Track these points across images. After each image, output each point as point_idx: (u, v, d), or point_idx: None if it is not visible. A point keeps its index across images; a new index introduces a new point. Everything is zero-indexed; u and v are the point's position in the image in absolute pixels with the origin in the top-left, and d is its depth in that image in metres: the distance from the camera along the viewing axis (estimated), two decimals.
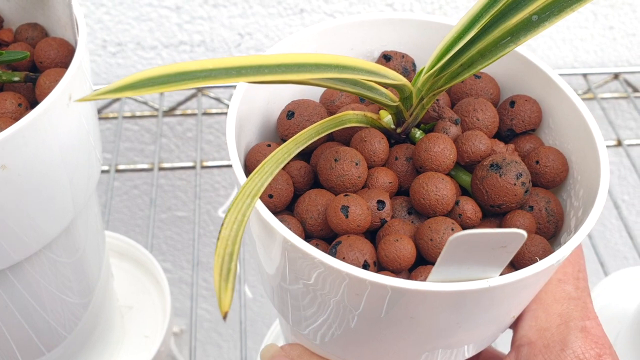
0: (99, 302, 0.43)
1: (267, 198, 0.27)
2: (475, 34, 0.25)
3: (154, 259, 0.50)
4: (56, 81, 0.29)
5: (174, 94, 0.65)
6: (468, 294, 0.23)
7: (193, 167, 0.59)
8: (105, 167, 0.58)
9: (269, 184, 0.27)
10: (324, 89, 0.31)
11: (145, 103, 0.63)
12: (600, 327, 0.28)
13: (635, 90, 0.69)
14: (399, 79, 0.25)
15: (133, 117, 0.64)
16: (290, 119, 0.29)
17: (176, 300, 0.84)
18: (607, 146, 0.65)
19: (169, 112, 0.63)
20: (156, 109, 0.63)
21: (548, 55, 0.70)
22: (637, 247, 0.54)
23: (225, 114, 0.65)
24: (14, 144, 0.27)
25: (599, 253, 0.54)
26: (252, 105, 0.30)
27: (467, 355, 0.29)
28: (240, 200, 0.23)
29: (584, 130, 0.28)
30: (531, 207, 0.28)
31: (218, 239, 0.22)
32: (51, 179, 0.31)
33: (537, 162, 0.29)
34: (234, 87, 0.63)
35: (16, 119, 0.30)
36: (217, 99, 0.63)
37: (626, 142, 0.64)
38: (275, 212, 0.27)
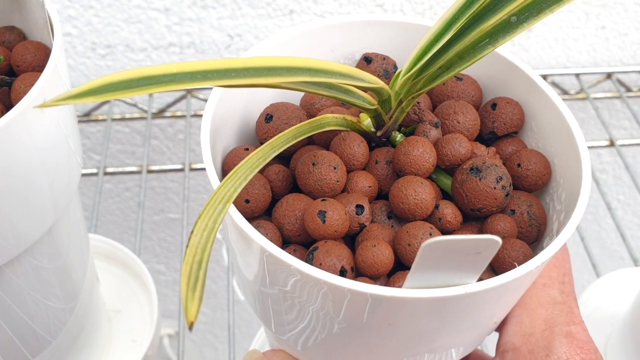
0: (85, 306, 0.42)
1: (244, 203, 0.26)
2: (452, 36, 0.25)
3: (141, 262, 0.50)
4: (32, 85, 0.29)
5: (163, 96, 0.64)
6: (445, 300, 0.23)
7: (182, 170, 0.59)
8: (94, 170, 0.58)
9: (246, 189, 0.26)
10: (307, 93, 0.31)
11: (134, 105, 0.63)
12: (586, 332, 0.28)
13: (628, 89, 0.69)
14: (375, 81, 0.25)
15: (123, 119, 0.64)
16: (269, 122, 0.29)
17: (170, 302, 0.84)
18: (601, 146, 0.64)
19: (158, 114, 0.63)
20: (145, 111, 0.62)
21: (540, 55, 0.70)
22: (631, 248, 0.54)
23: None
24: None
25: (593, 254, 0.54)
26: (230, 108, 0.29)
27: (455, 359, 0.29)
28: (211, 206, 0.23)
29: (566, 133, 0.28)
30: (512, 211, 0.28)
31: (187, 246, 0.21)
32: (30, 181, 0.31)
33: (519, 165, 0.28)
34: None
35: None
36: (206, 101, 0.63)
37: (619, 142, 0.64)
38: (253, 218, 0.27)
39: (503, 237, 0.27)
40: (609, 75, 0.68)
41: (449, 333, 0.26)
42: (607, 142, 0.64)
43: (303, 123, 0.27)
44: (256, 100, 0.30)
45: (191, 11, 0.61)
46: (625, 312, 0.48)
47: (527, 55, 0.70)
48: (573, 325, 0.27)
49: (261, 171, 0.28)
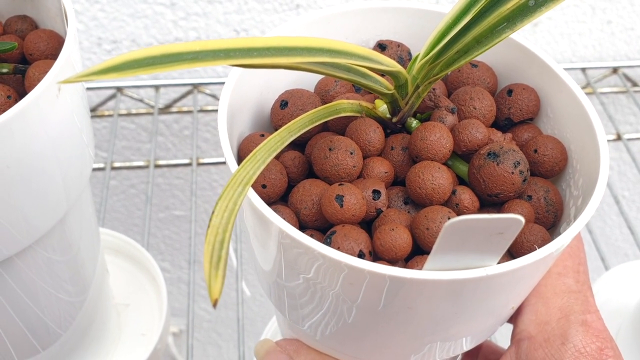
0: (95, 300, 0.42)
1: (260, 188, 0.26)
2: (470, 20, 0.25)
3: (151, 257, 0.50)
4: (45, 72, 0.29)
5: (169, 91, 0.64)
6: (465, 282, 0.22)
7: (189, 164, 0.58)
8: (101, 165, 0.58)
9: (262, 174, 0.26)
10: (319, 79, 0.31)
11: (141, 100, 0.62)
12: (601, 321, 0.28)
13: (634, 84, 0.69)
14: (393, 65, 0.25)
15: (129, 114, 0.64)
16: (284, 108, 0.29)
17: (175, 300, 0.83)
18: (607, 140, 0.64)
19: (165, 109, 0.63)
20: (152, 107, 0.62)
21: (546, 50, 0.70)
22: (638, 243, 0.54)
23: None
24: (1, 135, 0.26)
25: (600, 249, 0.54)
26: (245, 95, 0.29)
27: (466, 348, 0.29)
28: (231, 188, 0.23)
29: (583, 119, 0.28)
30: (530, 197, 0.28)
31: (208, 227, 0.21)
32: (42, 171, 0.31)
33: (535, 150, 0.28)
34: None
35: (4, 111, 0.29)
36: (213, 96, 0.63)
37: (626, 136, 0.63)
38: (269, 203, 0.27)
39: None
40: (615, 70, 0.68)
41: (466, 318, 0.26)
42: (614, 137, 0.64)
43: (319, 108, 0.27)
44: (271, 88, 0.30)
45: (197, 6, 0.61)
46: (635, 304, 0.47)
47: (515, 35, 0.70)
48: (589, 313, 0.27)
49: (277, 157, 0.28)
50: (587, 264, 0.29)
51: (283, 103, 0.29)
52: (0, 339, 0.38)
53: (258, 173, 0.24)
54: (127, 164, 0.59)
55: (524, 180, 0.27)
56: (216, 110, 0.65)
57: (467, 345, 0.29)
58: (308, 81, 0.31)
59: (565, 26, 0.68)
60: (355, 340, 0.27)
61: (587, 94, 0.67)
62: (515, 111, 0.29)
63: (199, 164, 0.58)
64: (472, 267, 0.22)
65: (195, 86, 0.63)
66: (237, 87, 0.28)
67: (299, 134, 0.26)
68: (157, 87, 0.62)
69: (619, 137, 0.63)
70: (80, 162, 0.33)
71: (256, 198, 0.24)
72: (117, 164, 0.59)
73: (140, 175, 0.72)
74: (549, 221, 0.28)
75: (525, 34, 0.69)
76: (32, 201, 0.31)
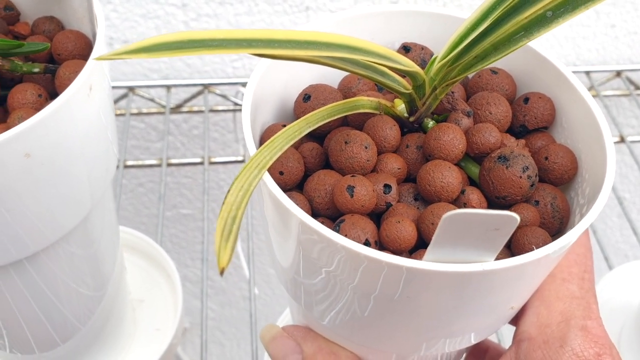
0: (113, 295, 0.43)
1: (278, 175, 0.27)
2: (488, 27, 0.26)
3: (166, 254, 0.51)
4: (76, 72, 0.30)
5: (180, 91, 0.65)
6: (462, 275, 0.23)
7: (201, 163, 0.59)
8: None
9: (281, 162, 0.27)
10: (344, 75, 0.32)
11: (152, 100, 0.63)
12: (602, 328, 0.28)
13: (637, 87, 0.70)
14: (411, 65, 0.26)
15: (140, 114, 0.64)
16: (307, 101, 0.30)
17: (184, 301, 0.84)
18: None
19: (176, 109, 0.64)
20: (163, 106, 0.63)
21: (550, 53, 0.71)
22: (639, 244, 0.55)
23: (231, 111, 0.65)
24: (37, 132, 0.27)
25: (604, 249, 0.55)
26: (270, 86, 0.30)
27: (466, 344, 0.30)
28: (248, 170, 0.24)
29: (595, 130, 0.28)
30: (537, 202, 0.28)
31: (223, 203, 0.23)
32: (70, 170, 0.31)
33: (547, 158, 0.29)
34: (240, 84, 0.64)
35: (37, 109, 0.30)
36: (223, 96, 0.64)
37: (629, 138, 0.64)
38: (285, 189, 0.28)
39: (525, 225, 0.27)
40: (618, 74, 0.69)
41: (465, 313, 0.26)
42: (617, 139, 0.65)
43: (338, 103, 0.28)
44: (296, 81, 0.31)
45: (208, 7, 0.62)
46: (638, 303, 0.48)
47: (538, 46, 0.71)
48: (589, 319, 0.28)
49: (296, 147, 0.29)
50: (593, 272, 0.30)
51: (306, 96, 0.30)
52: (22, 331, 0.39)
53: (274, 158, 0.25)
54: (140, 162, 0.60)
55: (531, 185, 0.27)
56: (226, 111, 0.66)
57: (467, 340, 0.29)
58: (332, 78, 0.32)
59: (569, 30, 0.69)
60: (359, 327, 0.28)
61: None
62: (530, 119, 0.30)
63: (211, 163, 0.59)
64: (470, 261, 0.23)
65: (206, 86, 0.63)
66: (264, 78, 0.29)
67: (316, 126, 0.27)
68: (168, 87, 0.63)
69: (622, 140, 0.64)
70: (105, 160, 0.34)
71: (271, 182, 0.25)
72: (129, 163, 0.60)
73: (148, 174, 0.73)
74: (554, 227, 0.28)
75: (541, 35, 0.70)
76: (60, 198, 0.32)
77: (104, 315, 0.43)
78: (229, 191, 0.23)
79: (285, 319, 0.50)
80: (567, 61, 0.71)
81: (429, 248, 0.23)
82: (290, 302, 0.37)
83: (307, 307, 0.29)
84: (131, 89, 0.63)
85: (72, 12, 0.34)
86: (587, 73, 0.69)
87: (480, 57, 0.26)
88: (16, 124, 0.28)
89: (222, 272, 0.21)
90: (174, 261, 0.83)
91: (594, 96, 0.68)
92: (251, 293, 0.51)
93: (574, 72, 0.68)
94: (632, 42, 0.71)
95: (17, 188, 0.29)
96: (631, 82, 0.70)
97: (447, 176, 0.27)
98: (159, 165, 0.59)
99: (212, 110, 0.64)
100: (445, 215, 0.21)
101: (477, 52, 0.26)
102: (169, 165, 0.59)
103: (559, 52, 0.71)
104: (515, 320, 0.30)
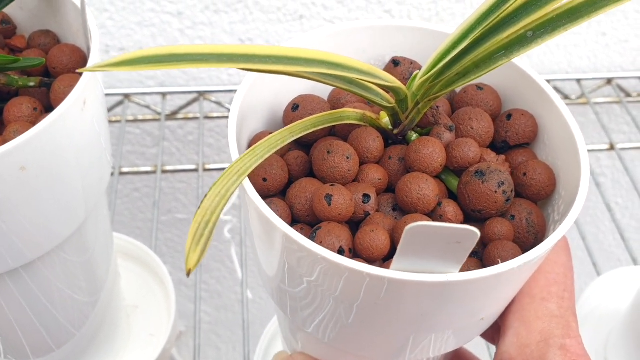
0: (107, 300, 0.44)
1: (261, 181, 0.28)
2: (469, 45, 0.26)
3: (159, 260, 0.52)
4: (71, 86, 0.31)
5: (175, 98, 0.66)
6: (426, 285, 0.24)
7: (196, 170, 0.60)
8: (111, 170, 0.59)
9: (264, 168, 0.28)
10: (334, 87, 0.33)
11: (147, 107, 0.64)
12: (581, 346, 0.28)
13: (627, 95, 0.71)
14: (392, 81, 0.26)
15: (135, 120, 0.65)
16: (295, 111, 0.31)
17: (178, 305, 0.85)
18: (601, 150, 0.66)
19: (171, 115, 0.65)
20: (159, 113, 0.64)
21: (542, 61, 0.72)
22: (630, 249, 0.55)
23: (226, 117, 0.66)
24: (33, 146, 0.28)
25: (593, 254, 0.56)
26: (260, 96, 0.31)
27: (440, 351, 0.30)
28: (227, 176, 0.25)
29: (572, 148, 0.29)
30: (513, 217, 0.29)
31: (199, 207, 0.23)
32: (65, 180, 0.32)
33: (525, 174, 0.29)
34: (235, 91, 0.65)
35: (32, 123, 0.31)
36: (218, 103, 0.64)
37: (619, 145, 0.65)
38: (268, 195, 0.29)
39: (499, 239, 0.28)
40: (609, 81, 0.70)
41: (433, 321, 0.27)
42: (607, 146, 0.66)
43: (324, 113, 0.29)
44: (287, 91, 0.32)
45: (204, 15, 0.63)
46: (626, 308, 0.49)
47: (530, 61, 0.72)
48: (569, 338, 0.28)
49: (282, 155, 0.30)
50: (573, 291, 0.30)
51: (295, 106, 0.31)
52: (17, 338, 0.40)
53: (255, 166, 0.26)
54: (135, 169, 0.61)
55: (507, 200, 0.28)
56: (221, 117, 0.66)
57: (440, 347, 0.30)
58: (323, 89, 0.33)
59: (561, 38, 0.70)
60: (341, 334, 0.29)
61: (581, 104, 0.69)
62: (512, 135, 0.31)
63: (205, 170, 0.60)
64: (435, 272, 0.24)
65: (201, 94, 0.64)
66: (254, 86, 0.30)
67: (300, 135, 0.28)
68: (164, 94, 0.64)
69: (612, 147, 0.65)
70: (99, 168, 0.35)
71: (250, 188, 0.26)
72: (125, 169, 0.61)
73: (144, 179, 0.73)
74: (528, 241, 0.29)
75: (521, 55, 0.70)
76: (55, 208, 0.33)
77: (98, 321, 0.44)
78: (205, 196, 0.24)
79: (271, 329, 0.51)
80: (559, 68, 0.72)
81: (395, 257, 0.24)
82: (277, 312, 0.38)
83: (293, 315, 0.30)
84: (127, 96, 0.64)
85: (68, 26, 0.35)
86: (578, 81, 0.70)
87: (461, 74, 0.27)
88: (12, 138, 0.28)
89: (188, 274, 0.22)
90: (169, 265, 0.84)
91: (584, 104, 0.69)
92: (244, 296, 0.51)
93: (565, 79, 0.69)
94: (622, 50, 0.72)
95: (13, 199, 0.30)
96: (622, 89, 0.70)
97: (423, 188, 0.27)
98: (153, 172, 0.60)
99: (207, 117, 0.65)
100: (407, 227, 0.22)
101: (459, 70, 0.27)
102: (164, 172, 0.60)
103: (551, 59, 0.71)
104: (497, 341, 0.30)
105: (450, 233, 0.22)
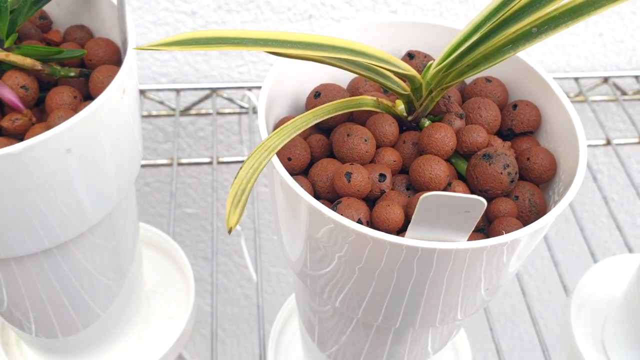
0: (131, 285, 0.46)
1: (287, 160, 0.31)
2: (479, 39, 0.29)
3: (179, 248, 0.54)
4: (109, 77, 0.33)
5: (188, 95, 0.68)
6: (437, 252, 0.26)
7: (210, 163, 0.62)
8: None
9: (289, 149, 0.31)
10: (352, 77, 0.35)
11: (161, 103, 0.66)
12: None
13: (624, 93, 0.73)
14: (408, 69, 0.29)
15: (149, 116, 0.67)
16: (317, 98, 0.33)
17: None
18: (597, 145, 0.68)
19: (185, 111, 0.67)
20: (173, 109, 0.66)
21: (542, 60, 0.74)
22: (627, 241, 0.58)
23: (237, 113, 0.69)
24: (77, 131, 0.31)
25: (590, 245, 0.58)
26: (286, 84, 0.34)
27: (451, 320, 0.32)
28: (258, 152, 0.28)
29: (572, 136, 0.32)
30: (517, 197, 0.31)
31: (236, 177, 0.26)
32: (102, 166, 0.34)
33: (528, 159, 0.32)
34: (246, 88, 0.67)
35: (74, 110, 0.33)
36: (230, 99, 0.67)
37: (615, 141, 0.68)
38: (293, 173, 0.31)
39: (503, 216, 0.31)
40: (605, 80, 0.73)
41: (444, 289, 0.29)
42: (604, 142, 0.68)
43: (343, 100, 0.31)
44: (310, 80, 0.35)
45: (216, 15, 0.65)
46: (621, 294, 0.52)
47: (530, 60, 0.74)
48: None
49: (305, 138, 0.32)
50: None
51: (317, 94, 0.34)
52: (48, 316, 0.42)
53: (283, 144, 0.28)
54: (152, 162, 0.63)
55: (511, 182, 0.30)
56: (232, 113, 0.69)
57: (452, 316, 0.32)
58: (342, 79, 0.35)
59: (559, 38, 0.72)
60: (357, 302, 0.31)
61: (579, 102, 0.72)
62: (517, 123, 0.33)
63: (219, 163, 0.62)
64: (446, 240, 0.26)
65: (214, 90, 0.67)
66: (280, 75, 0.33)
67: (322, 119, 0.30)
68: (177, 91, 0.66)
69: (608, 143, 0.68)
70: (132, 158, 0.37)
71: (279, 164, 0.28)
72: (142, 162, 0.63)
73: (154, 173, 0.75)
74: (530, 220, 0.31)
75: (527, 48, 0.73)
76: (90, 192, 0.35)
77: (122, 303, 0.46)
78: (241, 168, 0.27)
79: (288, 306, 0.53)
80: (558, 67, 0.74)
81: (409, 227, 0.26)
82: (295, 287, 0.40)
83: (312, 286, 0.33)
84: (142, 92, 0.66)
85: (102, 22, 0.38)
86: (576, 79, 0.72)
87: (472, 66, 0.30)
88: (57, 123, 0.31)
89: (230, 231, 0.25)
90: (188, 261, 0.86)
91: (582, 101, 0.72)
92: (258, 289, 0.54)
93: (563, 78, 0.72)
94: (619, 49, 0.74)
95: (55, 182, 0.32)
96: (618, 87, 0.73)
97: (435, 169, 0.30)
98: (169, 165, 0.62)
99: (219, 113, 0.67)
100: (422, 196, 0.25)
101: (469, 61, 0.30)
102: (180, 164, 0.62)
103: (550, 59, 0.74)
104: None
105: (460, 202, 0.24)
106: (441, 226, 0.26)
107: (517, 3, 0.28)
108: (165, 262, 0.55)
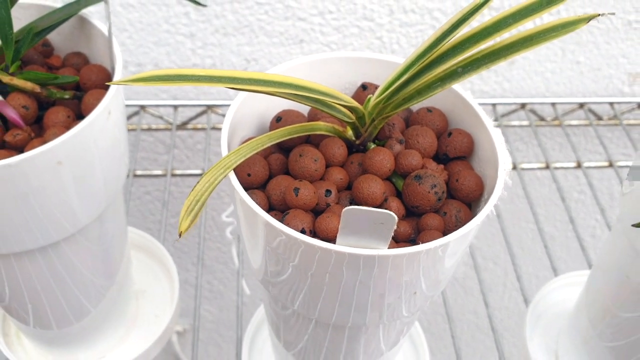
0: (120, 283, 0.51)
1: (246, 176, 0.35)
2: (411, 76, 0.33)
3: (166, 251, 0.58)
4: (98, 99, 0.38)
5: (186, 111, 0.73)
6: (360, 258, 0.30)
7: (201, 175, 0.67)
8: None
9: (249, 166, 0.35)
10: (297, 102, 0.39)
11: (160, 117, 0.71)
12: None
13: (599, 118, 0.77)
14: (350, 101, 0.33)
15: (149, 129, 0.72)
16: (278, 122, 0.38)
17: (181, 300, 0.90)
18: (568, 168, 0.72)
19: (182, 126, 0.72)
20: (170, 123, 0.71)
21: (522, 85, 0.77)
22: (589, 258, 0.61)
23: None
24: (67, 145, 0.35)
25: (553, 257, 0.62)
26: (252, 109, 0.38)
27: (391, 319, 0.36)
28: (216, 168, 0.32)
29: (495, 161, 0.35)
30: (445, 213, 0.35)
31: (192, 189, 0.30)
32: (90, 175, 0.39)
33: (457, 180, 0.36)
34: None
35: (67, 127, 0.38)
36: (224, 116, 0.71)
37: (585, 164, 0.71)
38: (251, 187, 0.36)
39: (429, 230, 0.34)
40: (581, 105, 0.76)
41: (371, 290, 0.33)
42: (574, 164, 0.72)
43: (298, 125, 0.36)
44: (274, 106, 0.39)
45: (214, 37, 0.69)
46: (572, 308, 0.55)
47: (510, 85, 0.77)
48: None
49: (266, 157, 0.37)
50: None
51: (278, 118, 0.38)
52: (44, 309, 0.47)
53: (239, 162, 0.32)
54: (147, 172, 0.68)
55: (438, 200, 0.34)
56: None
57: (390, 316, 0.35)
58: (305, 106, 0.39)
59: (538, 64, 0.76)
60: (302, 300, 0.35)
61: (555, 125, 0.76)
62: (451, 149, 0.37)
63: None
64: (369, 247, 0.30)
65: (209, 107, 0.71)
66: (245, 102, 0.37)
67: (277, 141, 0.35)
68: (175, 107, 0.71)
69: (579, 165, 0.71)
70: (118, 168, 0.42)
71: (235, 179, 0.32)
72: (138, 172, 0.68)
73: (155, 183, 0.80)
74: None
75: (503, 71, 0.76)
76: (80, 197, 0.40)
77: (112, 301, 0.51)
78: (198, 181, 0.31)
79: (262, 309, 0.57)
80: (537, 92, 0.77)
81: (337, 235, 0.30)
82: (261, 292, 0.44)
83: (273, 291, 0.37)
84: (143, 107, 0.71)
85: (96, 49, 0.43)
86: (553, 104, 0.76)
87: (407, 99, 0.34)
88: (51, 139, 0.36)
89: (180, 235, 0.29)
90: (175, 265, 0.89)
91: (557, 125, 0.76)
92: (238, 298, 0.58)
93: (542, 103, 0.75)
94: (595, 77, 0.77)
95: (48, 188, 0.37)
96: (593, 113, 0.76)
97: (372, 187, 0.34)
98: (164, 175, 0.67)
99: (213, 128, 0.71)
100: (344, 210, 0.28)
101: (404, 95, 0.34)
102: (173, 175, 0.67)
103: (530, 84, 0.77)
104: None
105: (374, 215, 0.28)
106: (364, 236, 0.30)
107: (443, 46, 0.32)
108: (154, 265, 0.59)
